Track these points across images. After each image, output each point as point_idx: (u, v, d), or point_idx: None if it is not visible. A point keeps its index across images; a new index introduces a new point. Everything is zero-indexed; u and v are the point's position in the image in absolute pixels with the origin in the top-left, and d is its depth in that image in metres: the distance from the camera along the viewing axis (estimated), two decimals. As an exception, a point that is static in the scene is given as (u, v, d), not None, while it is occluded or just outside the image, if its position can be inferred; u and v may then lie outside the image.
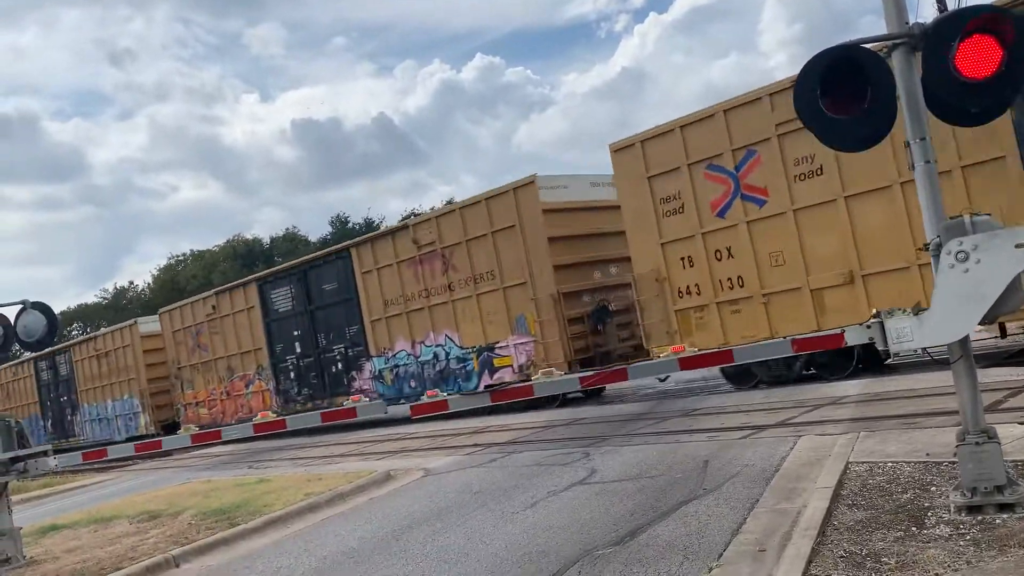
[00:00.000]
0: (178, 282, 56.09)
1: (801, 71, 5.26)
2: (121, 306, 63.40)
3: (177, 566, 7.96)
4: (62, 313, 64.09)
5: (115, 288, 68.43)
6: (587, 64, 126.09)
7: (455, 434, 14.33)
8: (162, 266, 63.77)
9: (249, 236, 61.55)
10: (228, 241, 60.57)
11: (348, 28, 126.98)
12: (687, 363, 6.34)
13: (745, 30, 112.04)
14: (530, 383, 6.45)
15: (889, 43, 5.33)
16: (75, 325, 64.28)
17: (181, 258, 62.71)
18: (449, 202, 50.21)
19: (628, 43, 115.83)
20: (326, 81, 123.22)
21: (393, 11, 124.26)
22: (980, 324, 5.13)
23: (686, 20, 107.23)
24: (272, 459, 16.49)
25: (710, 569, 5.12)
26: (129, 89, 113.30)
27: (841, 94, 5.25)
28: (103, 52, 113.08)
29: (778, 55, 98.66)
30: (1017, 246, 4.91)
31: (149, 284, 64.48)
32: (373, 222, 54.75)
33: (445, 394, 7.23)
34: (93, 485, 18.21)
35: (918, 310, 5.23)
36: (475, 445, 12.51)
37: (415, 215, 50.02)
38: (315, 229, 76.26)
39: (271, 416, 8.52)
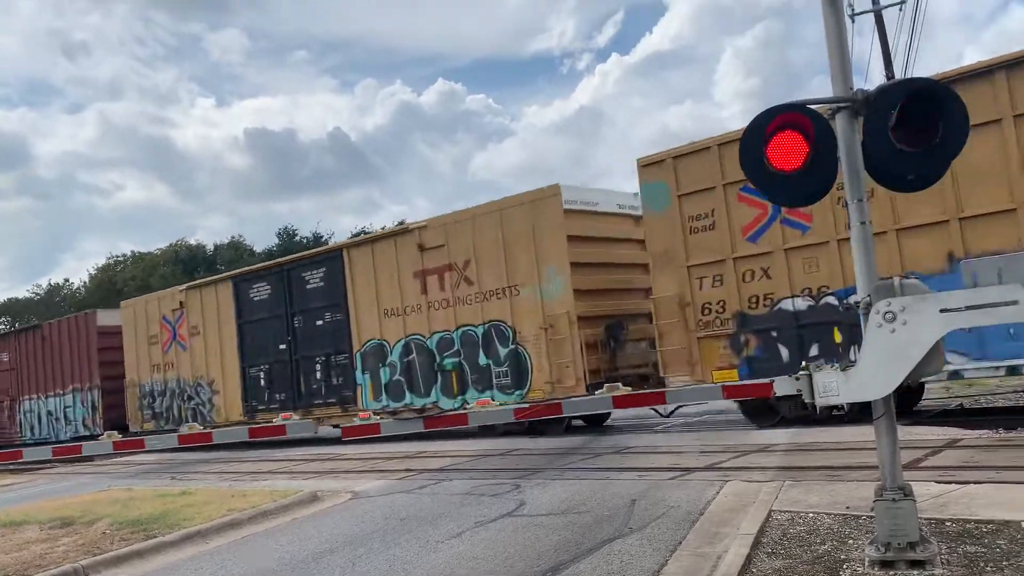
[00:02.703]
0: (115, 283, 54.72)
1: (748, 126, 5.41)
2: (54, 303, 61.58)
3: (86, 577, 7.69)
4: (-11, 306, 62.12)
5: (49, 284, 66.50)
6: (548, 98, 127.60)
7: (389, 457, 14.19)
8: (100, 265, 62.17)
9: (193, 241, 60.49)
10: (171, 245, 59.41)
11: (311, 41, 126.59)
12: (621, 402, 6.40)
13: (702, 79, 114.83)
14: (464, 412, 6.43)
15: (833, 106, 5.51)
16: (1, 319, 62.20)
17: (120, 259, 61.23)
18: (401, 223, 50.03)
19: (589, 81, 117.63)
20: (285, 92, 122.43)
21: (358, 29, 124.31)
22: (903, 384, 5.27)
23: (646, 64, 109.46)
24: (198, 471, 16.11)
25: (628, 610, 5.14)
26: (81, 83, 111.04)
27: (786, 150, 5.42)
28: (57, 43, 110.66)
29: (732, 106, 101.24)
30: (942, 311, 5.09)
31: (85, 283, 62.78)
32: (321, 237, 54.24)
33: (376, 418, 7.15)
34: (4, 488, 17.54)
35: (845, 366, 5.37)
36: (407, 470, 12.39)
37: (364, 232, 49.74)
38: (261, 240, 75.43)
39: (197, 428, 8.33)
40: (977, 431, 10.18)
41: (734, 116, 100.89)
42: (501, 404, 6.53)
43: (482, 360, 16.17)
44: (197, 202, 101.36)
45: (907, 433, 9.86)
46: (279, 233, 56.72)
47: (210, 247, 59.37)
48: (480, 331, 16.17)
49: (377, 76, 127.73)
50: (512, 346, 15.68)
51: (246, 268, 23.45)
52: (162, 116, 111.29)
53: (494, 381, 15.90)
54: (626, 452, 11.95)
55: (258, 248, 56.74)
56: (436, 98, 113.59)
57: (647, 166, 13.91)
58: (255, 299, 20.85)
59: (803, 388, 5.50)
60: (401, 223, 49.88)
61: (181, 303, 22.58)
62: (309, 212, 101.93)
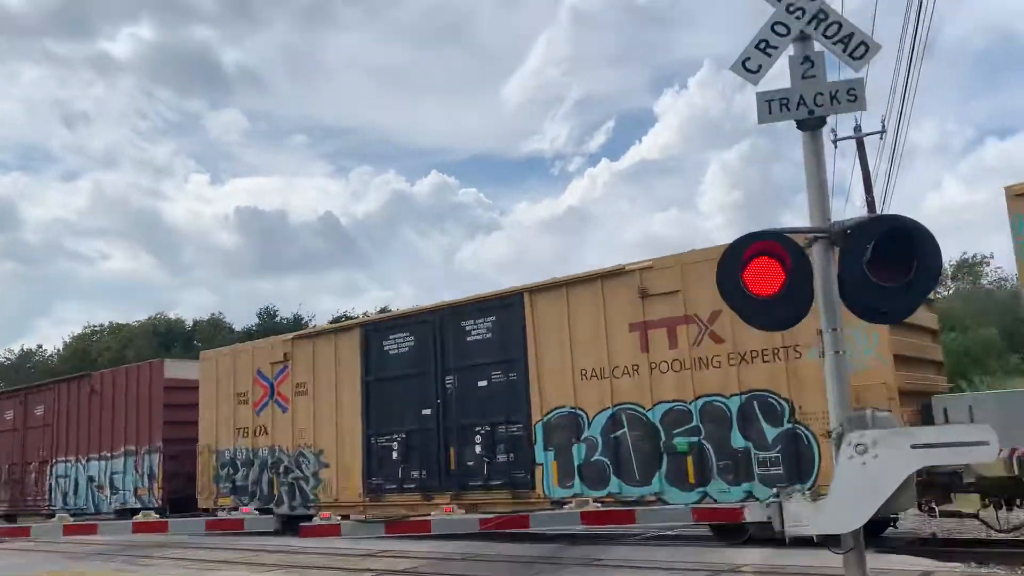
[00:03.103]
0: (89, 352, 54.09)
1: (726, 250, 5.51)
2: (24, 369, 60.63)
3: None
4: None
5: (22, 350, 65.60)
6: (538, 196, 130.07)
7: (351, 554, 13.79)
8: (76, 334, 61.56)
9: (172, 315, 60.21)
10: (149, 318, 59.05)
11: (310, 126, 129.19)
12: (590, 518, 6.28)
13: (688, 189, 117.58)
14: (428, 519, 6.30)
15: (811, 236, 5.63)
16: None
17: (97, 328, 60.69)
18: (384, 309, 50.05)
19: (579, 183, 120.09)
20: (280, 173, 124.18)
21: (359, 119, 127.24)
22: (873, 518, 5.22)
23: (635, 171, 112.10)
24: (155, 555, 15.56)
25: None
26: (78, 151, 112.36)
27: (763, 276, 5.51)
28: (58, 112, 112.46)
29: (716, 217, 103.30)
30: (913, 446, 5.09)
31: (59, 350, 62.01)
32: (302, 319, 54.14)
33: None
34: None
35: (816, 496, 5.32)
36: (367, 570, 12.03)
37: (346, 317, 49.64)
38: (242, 318, 75.11)
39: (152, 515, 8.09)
40: (950, 563, 10.03)
41: (718, 227, 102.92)
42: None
43: (737, 441, 12.45)
44: (182, 276, 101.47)
45: (877, 561, 9.70)
46: (260, 313, 56.63)
47: (189, 322, 59.09)
48: (734, 403, 12.57)
49: (373, 164, 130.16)
50: (788, 425, 12.09)
51: (382, 315, 21.21)
52: (155, 189, 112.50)
53: (755, 470, 12.23)
54: (595, 565, 11.66)
55: (237, 327, 56.50)
56: (429, 188, 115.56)
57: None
58: (390, 352, 16.92)
59: (773, 516, 5.44)
60: (384, 309, 50.06)
61: (285, 355, 18.35)
62: (293, 292, 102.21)
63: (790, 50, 5.77)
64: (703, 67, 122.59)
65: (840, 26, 5.67)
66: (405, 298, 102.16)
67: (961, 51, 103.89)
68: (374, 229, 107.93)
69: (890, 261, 5.26)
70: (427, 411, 16.01)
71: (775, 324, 6.13)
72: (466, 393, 15.55)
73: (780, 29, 5.75)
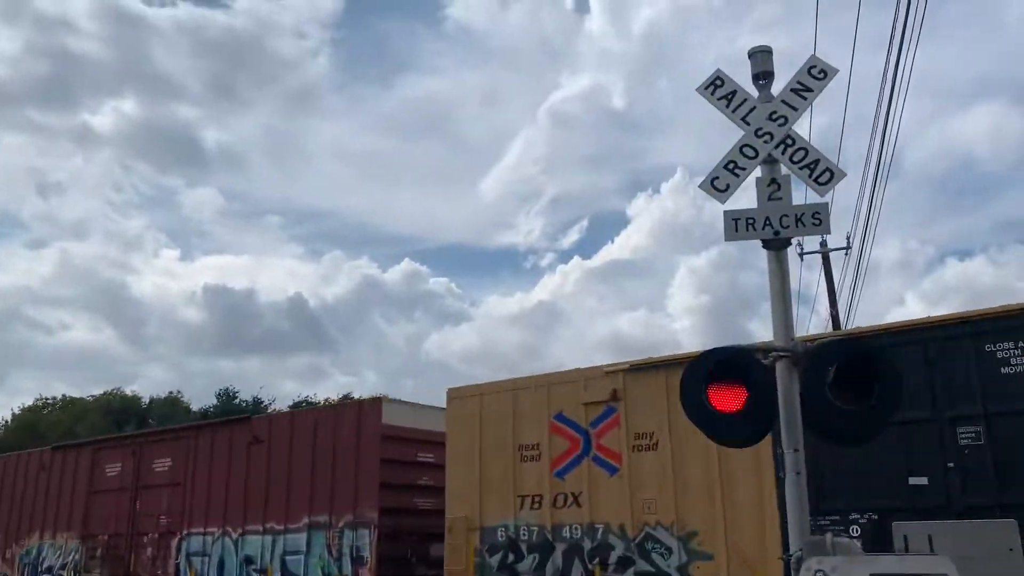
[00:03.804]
0: (39, 427, 52.43)
1: (690, 365, 5.50)
2: (-32, 441, 58.51)
3: None
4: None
5: (-32, 420, 63.38)
6: (509, 289, 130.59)
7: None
8: (27, 405, 59.75)
9: (129, 391, 58.79)
10: (104, 393, 57.61)
11: (286, 209, 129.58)
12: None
13: (657, 291, 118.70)
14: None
15: (774, 354, 5.64)
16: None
17: (49, 401, 59.03)
18: (346, 396, 49.42)
19: (550, 279, 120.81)
20: (251, 253, 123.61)
21: (335, 204, 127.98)
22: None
23: (606, 270, 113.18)
24: None
25: None
26: (48, 220, 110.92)
27: (725, 393, 5.49)
28: (33, 180, 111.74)
29: (683, 319, 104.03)
30: (872, 575, 5.00)
31: (7, 422, 60.01)
32: (262, 402, 53.08)
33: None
34: None
35: (775, 623, 5.17)
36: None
37: (307, 402, 48.90)
38: (200, 398, 73.50)
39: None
40: None
41: (684, 329, 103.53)
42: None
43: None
44: (142, 351, 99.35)
45: None
46: (219, 394, 55.43)
47: (146, 399, 57.72)
48: None
49: (345, 249, 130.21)
50: None
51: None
52: (124, 261, 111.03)
53: None
54: None
55: (195, 406, 55.24)
56: (400, 276, 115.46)
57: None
58: None
59: (730, 642, 5.27)
60: (346, 396, 49.44)
61: (615, 393, 11.63)
62: (255, 373, 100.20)
63: (758, 172, 5.92)
64: (676, 174, 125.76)
65: (806, 152, 5.83)
66: (367, 385, 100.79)
67: (924, 174, 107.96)
68: (342, 313, 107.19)
69: (853, 384, 5.28)
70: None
71: (740, 441, 6.06)
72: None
73: (748, 152, 5.90)
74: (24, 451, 22.28)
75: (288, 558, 14.55)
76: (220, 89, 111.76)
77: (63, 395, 59.64)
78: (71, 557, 18.42)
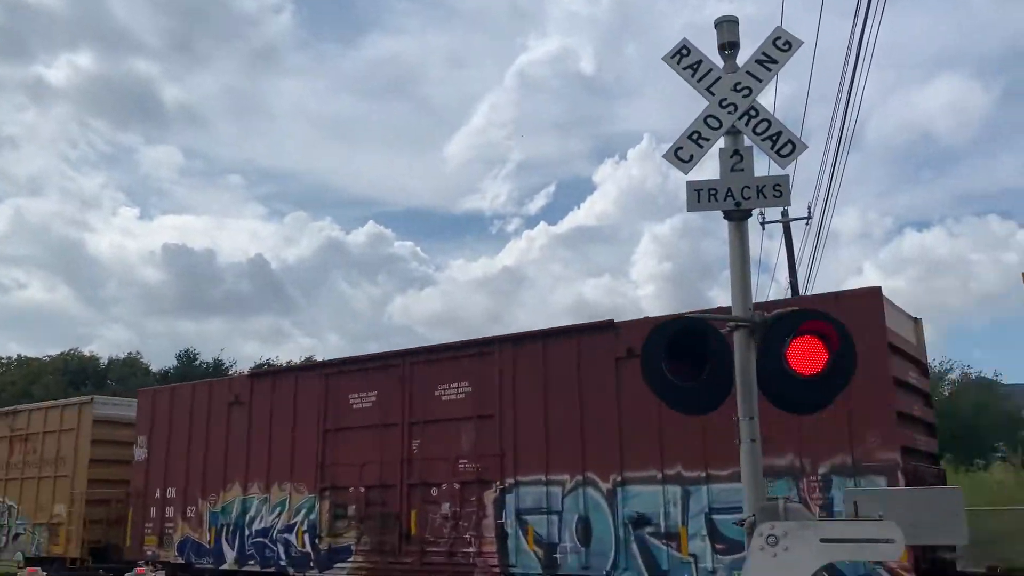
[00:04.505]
0: (-8, 386, 51.59)
1: (650, 334, 5.55)
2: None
3: None
4: None
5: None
6: (474, 254, 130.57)
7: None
8: (-20, 365, 58.74)
9: (87, 352, 58.00)
10: (61, 353, 56.76)
11: (247, 168, 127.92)
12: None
13: (621, 257, 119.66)
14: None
15: (732, 323, 5.72)
16: None
17: (4, 361, 58.05)
18: (308, 358, 49.17)
19: (516, 244, 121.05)
20: (211, 213, 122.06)
21: (298, 164, 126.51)
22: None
23: (571, 236, 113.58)
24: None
25: None
26: (1, 175, 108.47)
27: (684, 360, 5.56)
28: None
29: (647, 286, 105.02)
30: (823, 540, 5.13)
31: (-41, 382, 58.97)
32: (223, 364, 52.72)
33: None
34: None
35: (727, 585, 5.30)
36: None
37: (269, 364, 48.54)
38: (160, 359, 72.81)
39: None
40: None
41: (647, 296, 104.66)
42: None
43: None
44: (100, 311, 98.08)
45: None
46: (179, 355, 54.97)
47: (104, 360, 56.98)
48: None
49: (309, 210, 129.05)
50: None
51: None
52: (81, 220, 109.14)
53: None
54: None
55: (155, 367, 54.71)
56: (364, 239, 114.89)
57: None
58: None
59: (684, 604, 5.38)
60: (309, 358, 49.18)
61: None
62: (215, 335, 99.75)
63: (721, 142, 5.95)
64: (643, 140, 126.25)
65: (769, 124, 5.87)
66: (329, 346, 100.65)
67: (885, 146, 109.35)
68: (304, 275, 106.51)
69: (808, 353, 5.38)
70: None
71: (696, 409, 6.15)
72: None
73: (712, 122, 5.92)
74: (215, 379, 21.01)
75: (717, 517, 10.72)
76: (180, 45, 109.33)
77: (18, 355, 58.75)
78: (302, 516, 14.62)
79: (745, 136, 5.90)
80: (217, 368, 51.04)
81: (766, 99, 5.99)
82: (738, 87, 5.95)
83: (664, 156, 5.94)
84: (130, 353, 58.88)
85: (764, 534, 5.15)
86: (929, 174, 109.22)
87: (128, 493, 17.81)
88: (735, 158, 5.84)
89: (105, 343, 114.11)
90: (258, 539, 15.18)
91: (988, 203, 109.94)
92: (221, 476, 15.93)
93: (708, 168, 5.94)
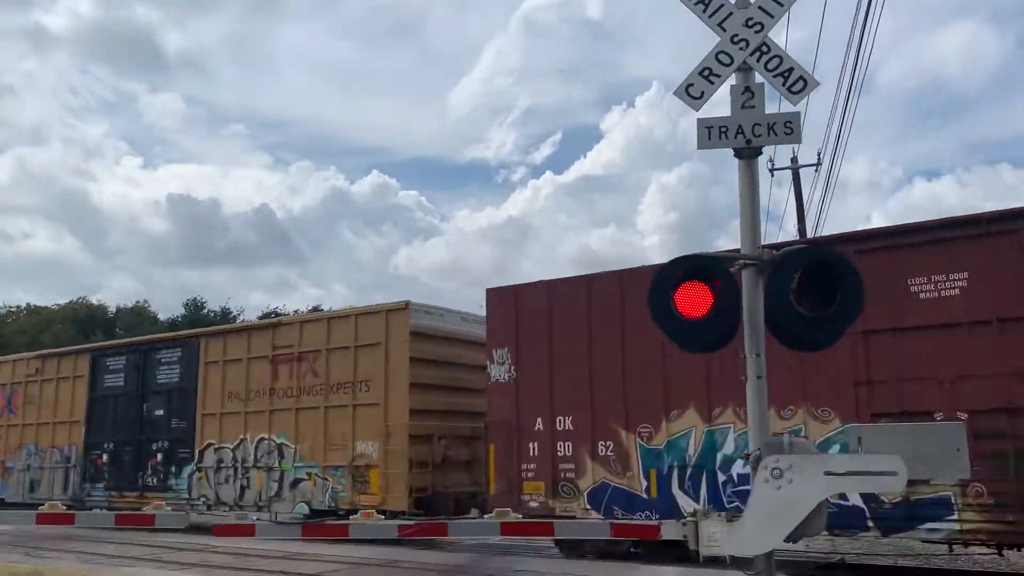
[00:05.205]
0: (2, 336, 52.01)
1: (657, 273, 5.58)
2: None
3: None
4: None
5: (-70, 327, 62.62)
6: (480, 204, 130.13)
7: (264, 555, 13.51)
8: (-10, 313, 59.15)
9: (95, 301, 58.33)
10: (70, 302, 57.10)
11: (251, 117, 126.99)
12: (509, 529, 6.28)
13: (627, 207, 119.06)
14: (347, 522, 6.22)
15: (741, 262, 5.74)
16: None
17: (14, 310, 58.44)
18: (316, 307, 49.49)
19: (521, 194, 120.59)
20: (215, 162, 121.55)
21: (301, 113, 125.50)
22: (785, 542, 5.33)
23: (577, 186, 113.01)
24: (57, 548, 15.02)
25: None
26: (3, 124, 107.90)
27: (692, 299, 5.59)
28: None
29: (652, 236, 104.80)
30: (826, 473, 5.22)
31: (-30, 330, 59.44)
32: (230, 312, 53.00)
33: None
34: None
35: (732, 517, 5.42)
36: (282, 572, 11.82)
37: (276, 314, 48.84)
38: (167, 308, 73.14)
39: (59, 507, 7.79)
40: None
41: (653, 246, 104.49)
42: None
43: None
44: (106, 261, 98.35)
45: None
46: (187, 304, 55.26)
47: (112, 309, 57.35)
48: None
49: (313, 159, 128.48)
50: None
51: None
52: (84, 169, 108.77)
53: None
54: None
55: (163, 316, 55.06)
56: (369, 189, 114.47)
57: None
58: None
59: (689, 535, 5.53)
60: (316, 307, 49.42)
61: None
62: (221, 285, 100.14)
63: (732, 79, 5.90)
64: (651, 88, 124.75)
65: (781, 60, 5.82)
66: (336, 297, 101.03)
67: (896, 93, 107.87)
68: (310, 225, 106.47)
69: (816, 291, 5.41)
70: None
71: (703, 346, 6.21)
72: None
73: (724, 58, 5.87)
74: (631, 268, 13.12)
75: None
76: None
77: (27, 304, 59.11)
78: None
79: (756, 73, 5.86)
80: (224, 316, 51.37)
81: (777, 41, 5.92)
82: (750, 22, 5.89)
83: (675, 93, 5.91)
84: (138, 302, 59.28)
85: (769, 467, 5.25)
86: (939, 122, 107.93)
87: (485, 425, 14.24)
88: (746, 95, 5.81)
89: (112, 292, 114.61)
90: (744, 487, 11.22)
91: (1000, 151, 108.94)
92: (660, 399, 12.25)
93: (718, 109, 5.91)
